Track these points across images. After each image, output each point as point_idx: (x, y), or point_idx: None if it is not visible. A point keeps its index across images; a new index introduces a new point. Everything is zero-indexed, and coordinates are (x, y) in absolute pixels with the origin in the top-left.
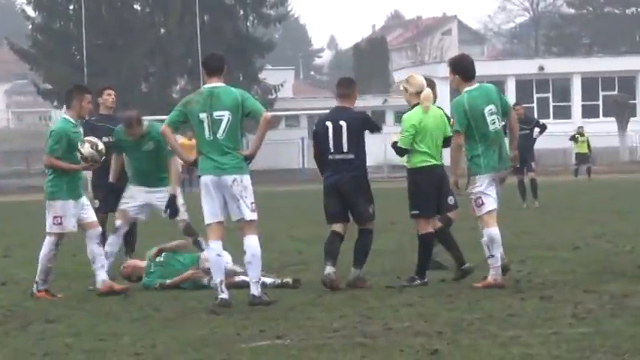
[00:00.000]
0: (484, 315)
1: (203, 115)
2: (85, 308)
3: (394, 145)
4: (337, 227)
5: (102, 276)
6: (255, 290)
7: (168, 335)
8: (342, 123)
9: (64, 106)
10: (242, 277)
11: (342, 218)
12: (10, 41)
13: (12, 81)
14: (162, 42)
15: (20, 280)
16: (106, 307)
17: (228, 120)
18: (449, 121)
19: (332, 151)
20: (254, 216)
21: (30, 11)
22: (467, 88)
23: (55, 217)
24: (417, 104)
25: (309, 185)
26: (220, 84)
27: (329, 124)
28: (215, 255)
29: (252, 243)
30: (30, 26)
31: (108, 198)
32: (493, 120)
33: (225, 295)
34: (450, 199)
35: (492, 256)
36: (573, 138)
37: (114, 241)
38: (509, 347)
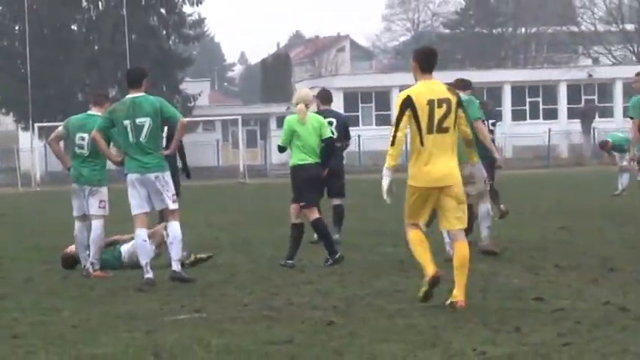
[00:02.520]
0: (373, 291)
1: (127, 122)
2: (29, 287)
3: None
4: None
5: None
6: (176, 267)
7: (101, 310)
8: None
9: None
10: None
11: None
12: None
13: None
14: (96, 57)
15: None
16: (48, 286)
17: (149, 125)
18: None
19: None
20: (176, 206)
21: None
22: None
23: (100, 202)
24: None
25: (222, 180)
26: (141, 94)
27: None
28: (141, 240)
29: (174, 227)
30: None
31: None
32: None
33: (150, 275)
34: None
35: None
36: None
37: None
38: (395, 318)
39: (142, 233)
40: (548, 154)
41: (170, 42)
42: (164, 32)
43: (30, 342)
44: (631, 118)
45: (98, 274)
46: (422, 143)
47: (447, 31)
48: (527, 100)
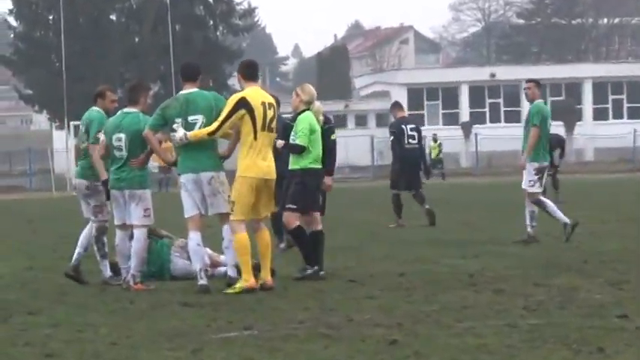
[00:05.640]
0: (440, 307)
1: (179, 120)
2: (64, 300)
3: (292, 145)
4: None
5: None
6: (232, 272)
7: (142, 326)
8: None
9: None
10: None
11: None
12: None
13: None
14: (136, 49)
15: (1, 274)
16: (83, 300)
17: (202, 123)
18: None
19: None
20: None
21: (12, 21)
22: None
23: (145, 210)
24: (305, 110)
25: None
26: (195, 89)
27: None
28: (195, 245)
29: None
30: (12, 35)
31: None
32: None
33: (204, 282)
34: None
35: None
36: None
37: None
38: (464, 337)
39: (195, 237)
40: (634, 156)
41: (217, 33)
42: (211, 22)
43: None
44: (534, 125)
45: (139, 287)
46: (255, 138)
47: (522, 21)
48: (610, 97)
